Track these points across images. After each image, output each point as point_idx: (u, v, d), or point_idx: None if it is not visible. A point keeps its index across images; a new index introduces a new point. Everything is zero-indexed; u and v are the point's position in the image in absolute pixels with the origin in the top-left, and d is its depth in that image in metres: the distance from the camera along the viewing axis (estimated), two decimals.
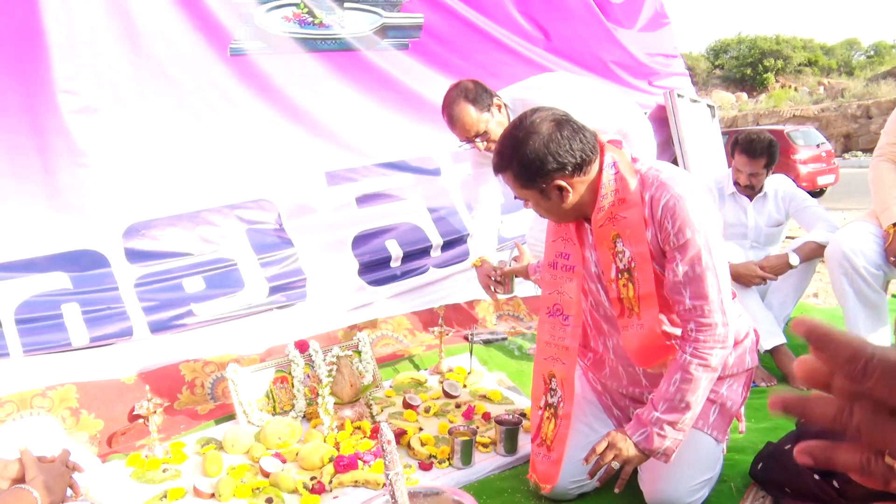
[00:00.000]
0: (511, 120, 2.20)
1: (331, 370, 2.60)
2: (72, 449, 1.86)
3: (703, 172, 4.80)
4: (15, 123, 2.96)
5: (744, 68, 33.99)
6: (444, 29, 4.00)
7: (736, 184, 3.51)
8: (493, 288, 2.90)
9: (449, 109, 2.72)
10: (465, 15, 4.02)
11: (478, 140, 2.73)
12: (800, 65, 33.63)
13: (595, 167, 1.84)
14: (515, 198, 1.94)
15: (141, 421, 2.52)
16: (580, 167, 1.80)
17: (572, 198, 1.85)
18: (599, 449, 1.84)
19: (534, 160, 1.78)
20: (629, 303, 1.88)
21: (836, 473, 1.75)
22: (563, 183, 1.81)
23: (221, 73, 3.40)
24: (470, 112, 2.68)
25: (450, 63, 4.04)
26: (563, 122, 1.81)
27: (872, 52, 35.85)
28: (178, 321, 3.09)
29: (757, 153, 3.38)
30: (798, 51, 33.89)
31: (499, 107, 2.73)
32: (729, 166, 3.59)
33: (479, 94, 2.69)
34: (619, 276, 1.88)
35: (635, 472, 1.95)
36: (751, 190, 3.49)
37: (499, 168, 1.87)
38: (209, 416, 2.81)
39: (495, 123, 2.71)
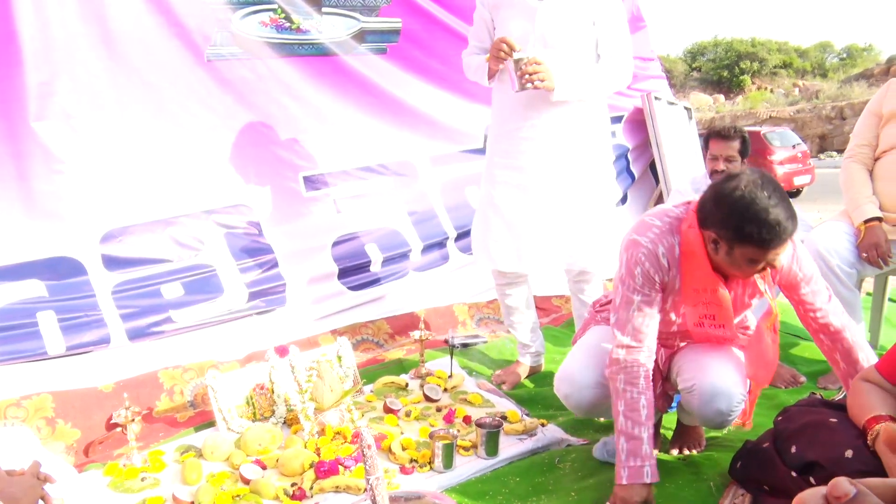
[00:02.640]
0: None
1: (310, 375, 2.60)
2: (46, 459, 1.85)
3: (681, 174, 4.83)
4: None
5: (720, 70, 34.32)
6: (422, 34, 4.00)
7: (712, 175, 3.56)
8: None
9: None
10: (444, 20, 4.02)
11: None
12: (775, 67, 33.99)
13: None
14: (764, 267, 1.92)
15: (119, 429, 2.50)
16: None
17: None
18: None
19: None
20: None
21: (814, 469, 1.77)
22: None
23: (199, 78, 3.37)
24: None
25: (429, 68, 4.05)
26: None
27: (845, 55, 36.32)
28: (157, 328, 3.06)
29: (730, 135, 3.49)
30: (773, 53, 34.26)
31: None
32: (704, 160, 3.64)
33: None
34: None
35: None
36: None
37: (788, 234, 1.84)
38: (188, 424, 2.80)
39: None
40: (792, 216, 1.83)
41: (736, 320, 2.16)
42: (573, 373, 2.25)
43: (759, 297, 2.12)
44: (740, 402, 2.09)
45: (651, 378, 2.05)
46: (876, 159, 3.08)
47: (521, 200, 2.86)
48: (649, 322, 2.03)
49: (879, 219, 2.93)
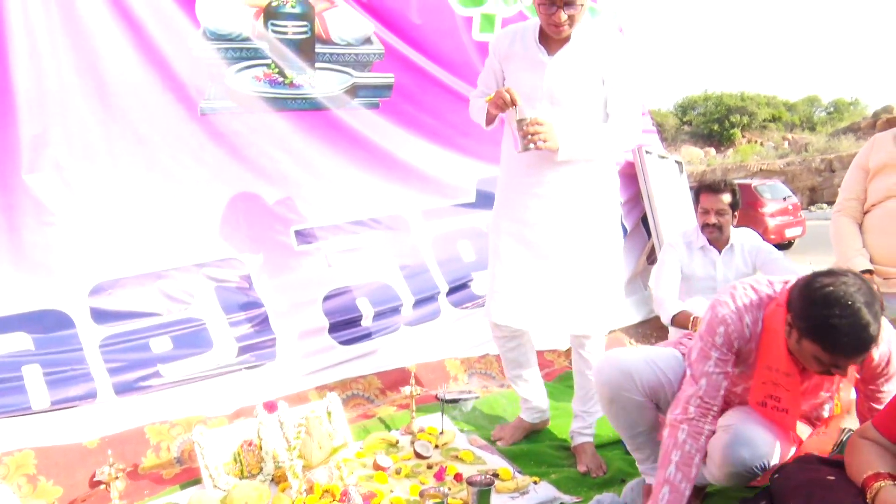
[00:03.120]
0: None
1: (299, 432, 2.55)
2: None
3: (673, 227, 4.85)
4: None
5: (711, 124, 34.76)
6: (414, 88, 4.05)
7: (704, 228, 3.57)
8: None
9: None
10: (436, 75, 4.08)
11: (565, 10, 2.50)
12: (764, 121, 34.46)
13: None
14: (829, 371, 1.89)
15: (102, 487, 2.44)
16: None
17: None
18: None
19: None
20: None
21: None
22: None
23: (191, 131, 3.40)
24: None
25: (421, 122, 4.09)
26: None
27: (832, 109, 36.90)
28: (144, 382, 3.03)
29: (720, 188, 3.52)
30: (762, 107, 34.77)
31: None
32: (696, 214, 3.67)
33: None
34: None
35: None
36: (719, 232, 3.55)
37: (867, 346, 1.80)
38: (175, 481, 2.74)
39: (583, 9, 2.56)
40: (868, 333, 1.76)
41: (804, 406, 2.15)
42: (639, 366, 2.24)
43: (834, 392, 2.14)
44: (763, 461, 2.02)
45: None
46: (865, 212, 3.12)
47: (524, 255, 2.80)
48: (721, 383, 2.04)
49: (870, 271, 2.95)
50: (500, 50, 2.81)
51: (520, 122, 2.53)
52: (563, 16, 2.50)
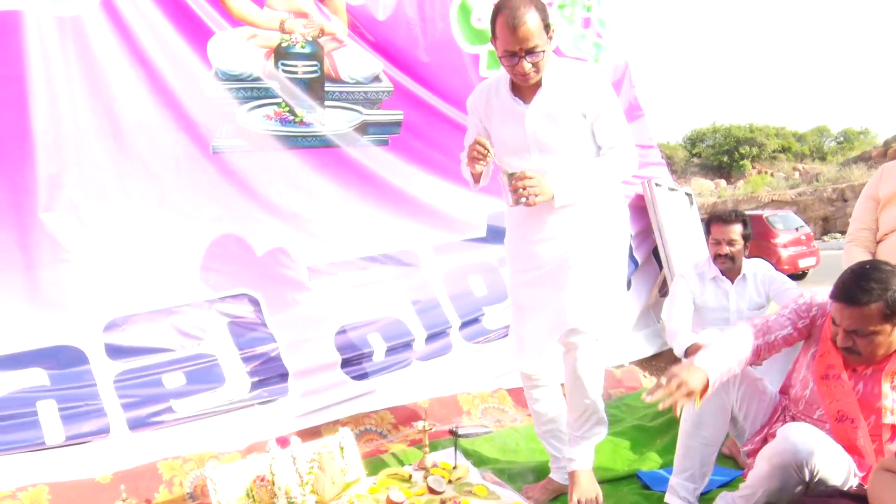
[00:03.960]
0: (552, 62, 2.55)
1: (312, 467, 2.55)
2: None
3: (684, 260, 4.85)
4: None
5: (720, 156, 34.82)
6: (423, 125, 4.10)
7: (716, 259, 3.57)
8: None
9: (516, 10, 2.39)
10: (445, 111, 4.13)
11: (526, 58, 2.44)
12: (774, 151, 34.49)
13: None
14: (851, 330, 2.11)
15: None
16: None
17: (888, 339, 2.10)
18: None
19: None
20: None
21: None
22: None
23: (203, 169, 3.46)
24: (536, 22, 2.40)
25: (430, 158, 4.13)
26: None
27: (842, 139, 36.92)
28: (157, 417, 3.04)
29: (731, 219, 3.53)
30: (771, 138, 34.82)
31: (550, 38, 2.50)
32: (707, 245, 3.66)
33: (545, 11, 2.45)
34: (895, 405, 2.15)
35: None
36: (731, 262, 3.54)
37: (864, 298, 2.06)
38: None
39: (548, 50, 2.49)
40: (867, 286, 2.05)
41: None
42: None
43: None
44: (813, 460, 2.03)
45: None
46: (878, 241, 3.13)
47: (540, 298, 2.72)
48: (784, 326, 2.39)
49: None
50: (477, 108, 2.76)
51: (509, 176, 2.48)
52: (527, 65, 2.45)
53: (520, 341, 2.84)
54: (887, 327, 2.06)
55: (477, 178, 2.69)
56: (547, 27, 2.45)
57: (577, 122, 2.58)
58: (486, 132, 2.75)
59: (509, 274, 2.91)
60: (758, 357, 2.38)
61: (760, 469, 2.14)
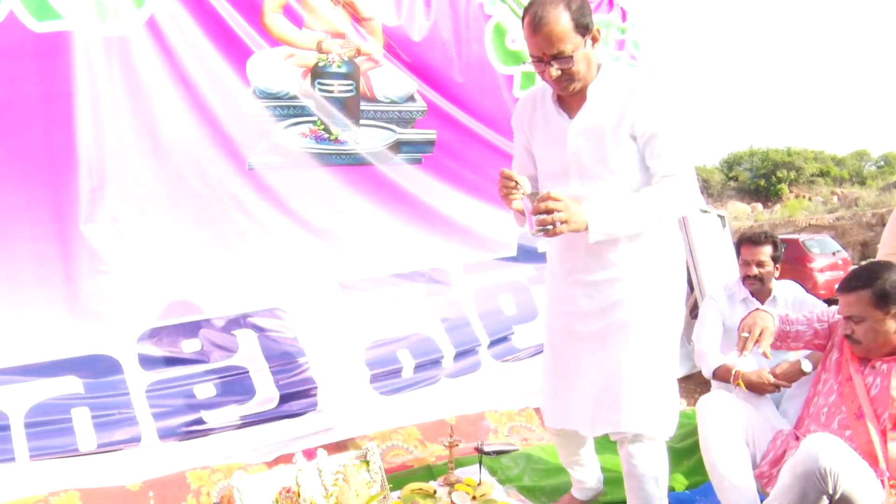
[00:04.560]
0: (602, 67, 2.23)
1: (336, 479, 2.57)
2: None
3: (715, 282, 4.81)
4: (43, 232, 3.10)
5: (757, 179, 34.47)
6: (456, 144, 4.14)
7: (745, 280, 3.54)
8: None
9: (542, 8, 2.08)
10: (478, 131, 4.16)
11: (555, 64, 2.11)
12: (812, 175, 34.06)
13: None
14: (847, 316, 2.33)
15: None
16: None
17: (881, 329, 2.26)
18: None
19: (889, 283, 2.24)
20: None
21: None
22: None
23: (240, 185, 3.53)
24: (564, 22, 2.07)
25: (462, 177, 4.17)
26: None
27: (882, 163, 36.36)
28: (187, 428, 3.09)
29: (761, 240, 3.50)
30: (810, 162, 34.40)
31: (594, 39, 2.17)
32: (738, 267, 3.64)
33: (582, 13, 2.10)
34: None
35: None
36: (760, 284, 3.51)
37: (853, 284, 2.31)
38: None
39: (583, 56, 2.13)
40: (863, 274, 2.32)
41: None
42: None
43: None
44: (836, 470, 2.03)
45: None
46: None
47: (576, 352, 2.41)
48: (807, 323, 2.59)
49: None
50: (522, 121, 2.45)
51: (530, 198, 2.10)
52: (555, 72, 2.13)
53: (553, 396, 2.52)
54: (878, 314, 2.25)
55: (520, 219, 2.32)
56: (584, 28, 2.11)
57: (627, 146, 2.22)
58: (530, 153, 2.46)
59: (546, 305, 2.60)
60: (782, 341, 2.60)
61: (783, 480, 2.15)
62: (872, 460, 2.17)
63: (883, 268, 2.29)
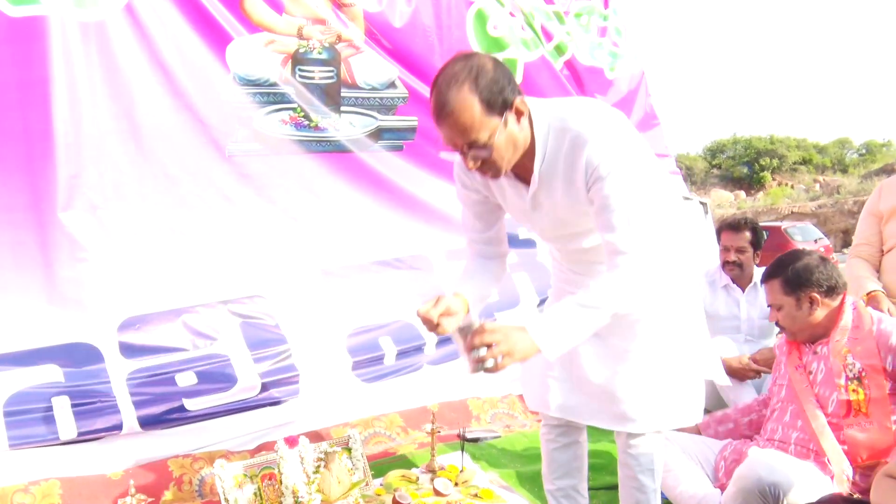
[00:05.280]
0: (537, 136, 1.82)
1: (318, 466, 2.58)
2: None
3: (697, 269, 4.84)
4: (20, 219, 3.07)
5: (740, 167, 34.70)
6: (437, 131, 4.12)
7: (725, 266, 3.58)
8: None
9: (443, 92, 1.71)
10: None
11: (470, 154, 1.78)
12: (795, 163, 34.32)
13: (838, 300, 2.40)
14: (768, 305, 2.48)
15: None
16: (831, 292, 2.37)
17: (818, 314, 2.38)
18: None
19: (804, 271, 2.38)
20: (857, 405, 2.28)
21: None
22: (816, 296, 2.36)
23: (220, 172, 3.51)
24: (471, 107, 1.70)
25: (444, 164, 4.14)
26: (825, 257, 2.46)
27: (864, 151, 36.69)
28: (169, 416, 3.07)
29: (740, 226, 3.54)
30: (792, 150, 34.66)
31: (519, 112, 1.79)
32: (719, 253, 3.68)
33: (495, 88, 1.71)
34: (849, 382, 2.30)
35: None
36: (740, 270, 3.55)
37: (769, 275, 2.46)
38: None
39: (505, 139, 1.77)
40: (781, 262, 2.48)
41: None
42: None
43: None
44: (778, 489, 2.06)
45: None
46: (888, 251, 3.18)
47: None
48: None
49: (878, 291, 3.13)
50: (473, 180, 2.06)
51: (461, 332, 1.83)
52: (472, 164, 1.80)
53: (534, 375, 2.27)
54: (791, 300, 2.40)
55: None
56: (501, 106, 1.73)
57: (589, 215, 1.89)
58: (488, 207, 2.14)
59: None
60: None
61: (729, 490, 2.21)
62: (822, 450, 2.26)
63: (792, 256, 2.47)
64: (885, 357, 2.27)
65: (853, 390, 2.28)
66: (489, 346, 1.72)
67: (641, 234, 1.79)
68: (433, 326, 1.93)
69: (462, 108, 1.69)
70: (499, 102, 1.72)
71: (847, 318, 2.38)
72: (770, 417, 2.54)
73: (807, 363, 2.45)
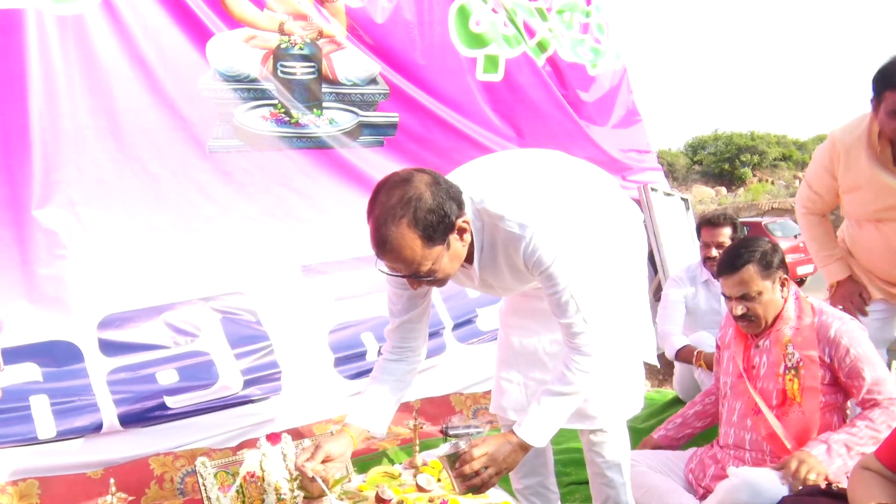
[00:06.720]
0: (475, 232, 1.81)
1: None
2: None
3: (679, 264, 4.87)
4: None
5: (721, 164, 34.84)
6: (418, 127, 4.13)
7: (706, 261, 3.60)
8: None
9: (380, 229, 1.66)
10: (440, 114, 4.16)
11: (415, 282, 1.81)
12: (775, 160, 34.54)
13: (787, 291, 2.37)
14: (740, 296, 2.32)
15: None
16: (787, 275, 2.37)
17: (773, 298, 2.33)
18: (792, 466, 2.10)
19: (772, 252, 2.34)
20: (792, 394, 2.28)
21: None
22: (786, 278, 2.36)
23: (200, 169, 3.49)
24: (411, 244, 1.66)
25: (424, 160, 4.15)
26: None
27: None
28: (150, 414, 3.06)
29: (720, 222, 3.56)
30: (772, 146, 34.87)
31: (462, 230, 1.76)
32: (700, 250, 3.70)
33: (434, 220, 1.67)
34: (787, 371, 2.30)
35: None
36: None
37: (738, 262, 2.31)
38: None
39: (449, 259, 1.75)
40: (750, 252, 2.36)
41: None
42: None
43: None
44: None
45: None
46: (853, 224, 3.02)
47: (531, 346, 2.22)
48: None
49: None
50: None
51: (448, 460, 1.88)
52: (416, 285, 1.85)
53: (501, 390, 2.34)
54: (768, 284, 2.32)
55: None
56: (442, 236, 1.69)
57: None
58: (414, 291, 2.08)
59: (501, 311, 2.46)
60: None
61: (709, 501, 2.20)
62: (778, 447, 2.26)
63: (748, 242, 2.41)
64: (824, 349, 2.26)
65: (790, 379, 2.28)
66: (478, 472, 1.79)
67: (592, 312, 1.85)
68: (309, 481, 1.95)
69: (402, 246, 1.66)
70: (440, 231, 1.69)
71: (790, 309, 2.35)
72: (722, 419, 2.51)
73: (750, 357, 2.41)
